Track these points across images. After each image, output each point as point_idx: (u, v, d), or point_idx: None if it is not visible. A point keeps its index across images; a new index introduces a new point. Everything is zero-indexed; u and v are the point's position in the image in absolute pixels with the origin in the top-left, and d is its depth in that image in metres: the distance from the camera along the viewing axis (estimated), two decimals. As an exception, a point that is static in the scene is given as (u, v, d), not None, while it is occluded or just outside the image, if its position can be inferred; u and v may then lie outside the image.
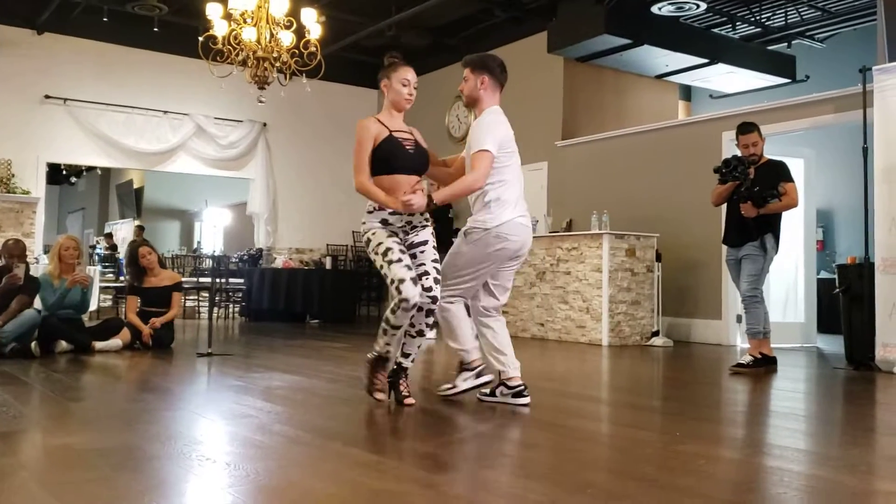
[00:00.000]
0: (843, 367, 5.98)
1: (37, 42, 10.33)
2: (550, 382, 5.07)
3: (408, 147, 3.79)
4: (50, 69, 10.38)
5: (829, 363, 6.45)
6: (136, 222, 15.79)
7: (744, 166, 5.58)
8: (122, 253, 12.24)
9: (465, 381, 4.01)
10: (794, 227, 8.20)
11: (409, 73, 3.83)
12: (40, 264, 8.90)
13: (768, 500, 2.26)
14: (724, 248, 6.05)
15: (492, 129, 3.85)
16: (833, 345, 7.81)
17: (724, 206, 6.12)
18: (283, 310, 10.76)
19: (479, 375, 4.02)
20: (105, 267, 11.34)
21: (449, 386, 4.04)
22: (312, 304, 10.90)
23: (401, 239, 3.75)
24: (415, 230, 3.78)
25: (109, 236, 15.50)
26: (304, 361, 5.83)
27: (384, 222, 3.74)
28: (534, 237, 8.55)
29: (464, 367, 4.01)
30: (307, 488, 2.30)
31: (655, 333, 7.94)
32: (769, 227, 5.63)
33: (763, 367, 5.52)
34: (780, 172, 5.64)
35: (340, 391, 4.25)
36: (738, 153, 5.89)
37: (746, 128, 5.74)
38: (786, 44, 10.62)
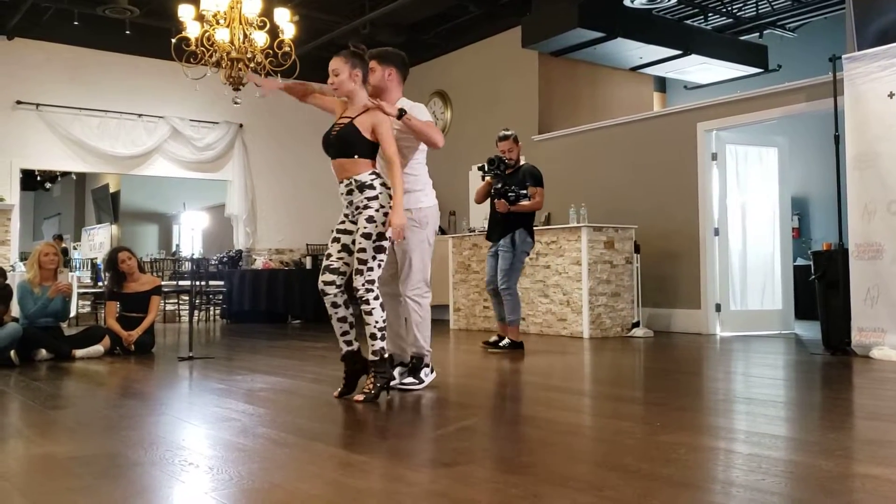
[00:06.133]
0: (821, 353, 6.07)
1: (7, 47, 10.22)
2: (532, 376, 5.10)
3: (333, 132, 3.97)
4: (21, 74, 10.27)
5: (807, 349, 6.53)
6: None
7: (504, 164, 6.32)
8: (74, 257, 12.11)
9: (427, 377, 4.28)
10: (771, 216, 8.30)
11: (330, 65, 3.96)
12: (17, 272, 8.81)
13: (747, 486, 2.29)
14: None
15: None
16: (810, 331, 7.91)
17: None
18: (264, 311, 10.73)
19: (432, 370, 4.35)
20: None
21: (413, 380, 4.24)
22: (294, 305, 10.88)
23: (353, 219, 3.92)
24: (358, 212, 3.89)
25: (60, 238, 15.15)
26: (287, 362, 5.83)
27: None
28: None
29: (424, 364, 4.27)
30: (291, 490, 2.30)
31: (636, 324, 8.00)
32: (521, 223, 6.29)
33: (520, 349, 6.31)
34: (530, 176, 6.34)
35: (323, 392, 4.25)
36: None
37: (502, 137, 6.45)
38: (757, 34, 10.71)
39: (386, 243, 3.86)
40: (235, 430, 3.21)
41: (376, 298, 3.84)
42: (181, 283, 10.90)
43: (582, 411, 3.83)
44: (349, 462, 2.65)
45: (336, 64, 3.95)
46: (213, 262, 11.60)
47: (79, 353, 6.06)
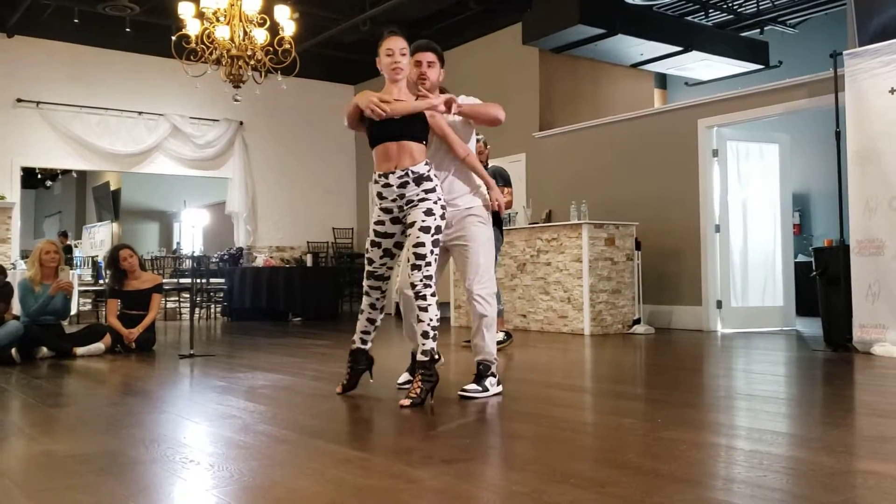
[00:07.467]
0: (822, 349, 6.06)
1: (7, 45, 10.22)
2: (533, 373, 5.10)
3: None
4: (21, 72, 10.28)
5: (808, 345, 6.53)
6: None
7: None
8: (75, 255, 12.11)
9: (492, 387, 3.91)
10: (772, 212, 8.29)
11: (391, 43, 3.68)
12: (17, 270, 8.81)
13: (748, 483, 2.29)
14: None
15: None
16: (812, 327, 7.90)
17: None
18: (265, 308, 10.73)
19: (499, 382, 3.98)
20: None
21: (477, 388, 3.86)
22: (294, 302, 10.88)
23: (396, 216, 3.73)
24: (412, 205, 3.67)
25: (65, 235, 15.13)
26: (288, 360, 5.83)
27: (378, 196, 3.75)
28: (514, 229, 8.66)
29: (491, 372, 3.91)
30: (292, 487, 2.30)
31: (637, 321, 7.99)
32: (493, 222, 6.34)
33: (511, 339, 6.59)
34: (500, 177, 6.41)
35: (324, 389, 4.25)
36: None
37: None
38: (758, 30, 10.70)
39: (441, 237, 3.70)
40: (236, 427, 3.21)
41: (433, 295, 3.64)
42: (182, 280, 10.91)
43: (583, 408, 3.82)
44: (349, 459, 2.64)
45: (404, 44, 3.69)
46: (213, 260, 11.60)
47: (80, 350, 6.06)
